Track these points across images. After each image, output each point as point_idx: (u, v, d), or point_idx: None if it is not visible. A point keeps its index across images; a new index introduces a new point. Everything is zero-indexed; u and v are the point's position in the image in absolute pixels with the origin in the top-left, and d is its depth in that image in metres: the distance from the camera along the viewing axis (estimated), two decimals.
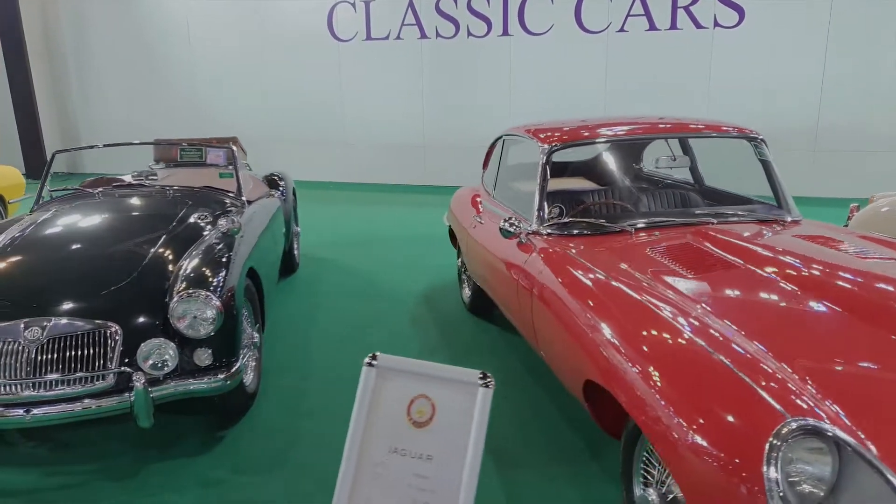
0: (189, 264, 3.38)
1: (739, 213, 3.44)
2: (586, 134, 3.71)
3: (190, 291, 3.11)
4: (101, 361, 2.96)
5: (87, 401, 2.92)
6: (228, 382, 3.15)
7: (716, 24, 9.26)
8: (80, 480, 3.04)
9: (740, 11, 9.10)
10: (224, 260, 3.46)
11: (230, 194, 4.67)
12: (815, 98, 9.02)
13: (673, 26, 9.47)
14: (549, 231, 3.36)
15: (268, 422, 3.54)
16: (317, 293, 5.67)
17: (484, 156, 5.08)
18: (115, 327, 3.01)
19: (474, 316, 4.95)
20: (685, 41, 9.44)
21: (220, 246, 3.60)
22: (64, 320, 2.98)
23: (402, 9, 10.65)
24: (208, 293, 3.12)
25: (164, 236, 3.70)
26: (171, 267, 3.41)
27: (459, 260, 5.12)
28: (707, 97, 9.45)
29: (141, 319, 3.11)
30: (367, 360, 1.40)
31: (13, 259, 3.43)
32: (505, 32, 10.27)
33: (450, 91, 10.82)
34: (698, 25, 9.35)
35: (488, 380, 1.36)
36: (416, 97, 10.99)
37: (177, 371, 3.06)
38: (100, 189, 4.63)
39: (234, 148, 4.90)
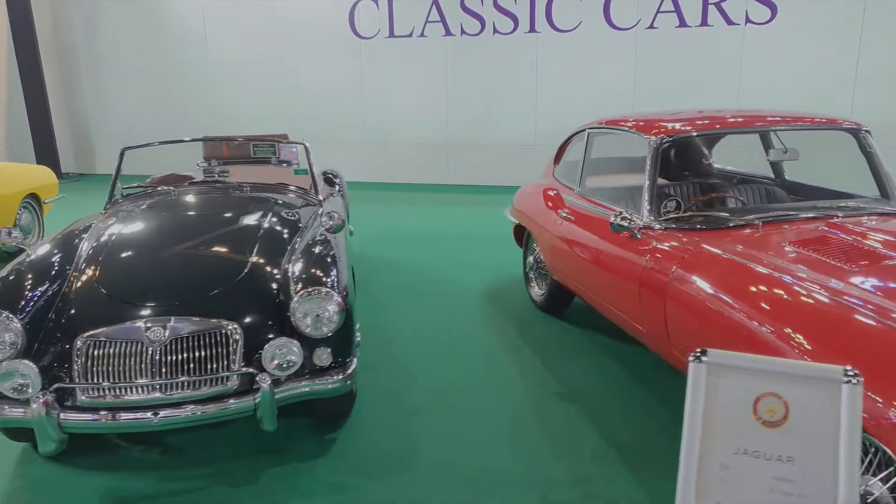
0: (298, 263, 3.27)
1: (860, 205, 3.38)
2: (698, 125, 3.64)
3: (310, 290, 3.01)
4: (225, 362, 2.85)
5: (212, 403, 2.81)
6: (348, 383, 3.05)
7: (747, 20, 9.24)
8: (200, 485, 2.93)
9: (773, 8, 9.09)
10: (329, 259, 3.35)
11: (305, 191, 4.57)
12: (848, 95, 9.01)
13: (704, 23, 9.44)
14: (665, 225, 3.29)
15: (376, 422, 3.44)
16: (377, 292, 5.56)
17: (556, 151, 4.99)
18: (234, 326, 2.90)
19: (548, 315, 4.87)
20: (716, 38, 9.41)
21: (322, 244, 3.49)
22: (184, 320, 2.86)
23: (427, 6, 10.55)
24: (329, 290, 3.02)
25: (259, 234, 3.59)
26: (274, 266, 3.30)
27: (531, 258, 5.03)
28: (738, 94, 9.42)
29: (257, 319, 3.01)
30: (693, 356, 1.31)
31: (117, 259, 3.31)
32: (532, 29, 10.20)
33: (474, 89, 10.72)
34: (729, 22, 9.32)
35: (854, 376, 1.28)
36: (439, 95, 10.89)
37: (298, 372, 2.95)
38: (174, 187, 4.50)
39: (307, 144, 4.78)
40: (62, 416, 2.71)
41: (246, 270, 3.22)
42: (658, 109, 5.13)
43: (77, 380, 2.75)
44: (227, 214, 3.91)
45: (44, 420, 2.65)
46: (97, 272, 3.16)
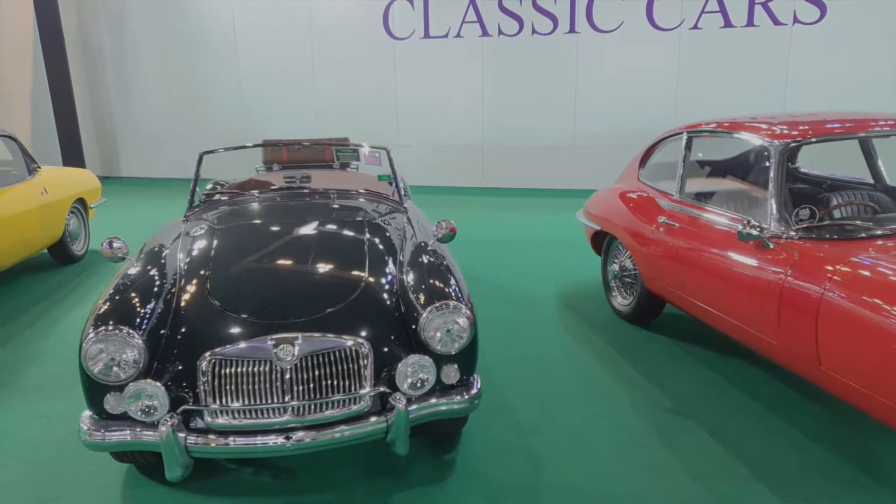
0: (411, 274, 3.11)
1: None
2: (824, 129, 3.48)
3: (438, 304, 2.84)
4: (357, 381, 2.69)
5: (344, 425, 2.65)
6: (476, 402, 2.90)
7: (795, 20, 9.09)
8: None
9: (822, 7, 8.93)
10: (444, 269, 3.19)
11: (388, 197, 4.41)
12: None
13: (749, 23, 9.29)
14: (800, 234, 3.12)
15: (491, 440, 3.28)
16: None
17: (642, 153, 4.83)
18: (363, 343, 2.73)
19: (633, 325, 4.70)
20: (762, 38, 9.26)
21: (432, 254, 3.33)
22: (313, 338, 2.69)
23: (463, 6, 10.40)
24: (457, 303, 2.86)
25: (366, 245, 3.42)
26: (388, 278, 3.13)
27: (616, 266, 4.86)
28: (784, 96, 9.27)
29: (382, 335, 2.84)
30: None
31: (225, 272, 3.14)
32: (572, 30, 10.05)
33: (511, 91, 10.57)
34: (776, 22, 9.17)
35: None
36: (475, 97, 10.73)
37: (429, 391, 2.79)
38: (254, 193, 4.33)
39: (388, 149, 4.62)
40: (189, 439, 2.55)
41: (363, 285, 3.05)
42: (702, 114, 5.01)
43: (204, 401, 2.58)
44: (326, 223, 3.74)
45: (172, 443, 2.50)
46: (207, 285, 2.99)
